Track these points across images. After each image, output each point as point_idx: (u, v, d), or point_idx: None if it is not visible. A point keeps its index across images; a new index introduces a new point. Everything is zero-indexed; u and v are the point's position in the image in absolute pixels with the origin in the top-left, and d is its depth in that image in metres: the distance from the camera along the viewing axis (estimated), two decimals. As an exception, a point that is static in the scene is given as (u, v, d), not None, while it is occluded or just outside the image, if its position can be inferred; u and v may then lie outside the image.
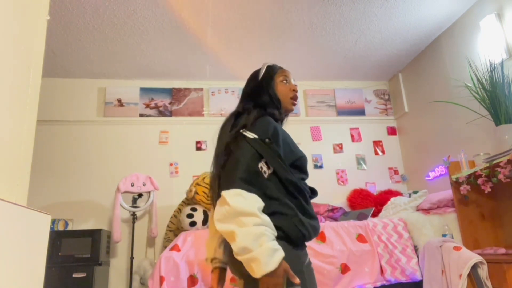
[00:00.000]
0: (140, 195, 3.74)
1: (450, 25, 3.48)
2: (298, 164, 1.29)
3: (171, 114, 4.17)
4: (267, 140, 1.20)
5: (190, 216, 3.12)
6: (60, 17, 3.07)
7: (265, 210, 1.13)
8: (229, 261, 1.27)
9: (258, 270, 1.02)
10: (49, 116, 3.88)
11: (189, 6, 3.03)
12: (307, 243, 1.28)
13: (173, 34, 3.41)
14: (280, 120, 1.39)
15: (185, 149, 4.07)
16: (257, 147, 1.17)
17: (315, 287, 1.23)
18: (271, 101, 1.37)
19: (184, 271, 2.46)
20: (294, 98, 1.41)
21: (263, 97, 1.38)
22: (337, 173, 4.20)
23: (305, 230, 1.20)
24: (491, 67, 2.74)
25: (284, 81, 1.42)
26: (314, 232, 1.25)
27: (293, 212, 1.19)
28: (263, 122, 1.24)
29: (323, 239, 2.71)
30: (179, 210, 3.53)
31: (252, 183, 1.12)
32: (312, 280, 1.23)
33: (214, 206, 1.20)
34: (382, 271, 2.68)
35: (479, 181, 2.56)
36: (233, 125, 1.28)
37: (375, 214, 3.56)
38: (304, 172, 1.32)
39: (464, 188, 2.67)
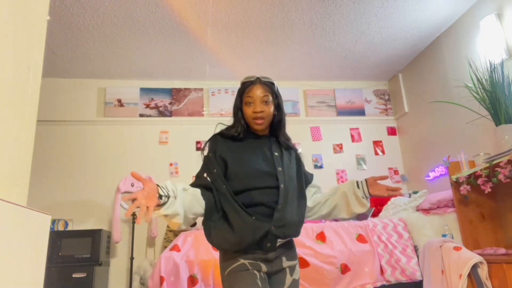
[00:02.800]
0: (140, 195, 3.73)
1: (450, 25, 3.48)
2: (231, 176, 1.40)
3: (171, 114, 4.17)
4: (205, 154, 1.47)
5: (190, 216, 3.12)
6: (60, 17, 3.07)
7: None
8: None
9: None
10: (49, 116, 3.88)
11: (189, 6, 3.03)
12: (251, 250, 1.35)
13: (173, 34, 3.41)
14: (242, 136, 1.49)
15: (185, 149, 4.07)
16: (204, 161, 1.47)
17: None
18: (234, 119, 1.52)
19: (184, 271, 2.46)
20: (256, 118, 1.45)
21: (234, 114, 1.53)
22: (337, 173, 4.20)
23: (217, 240, 1.35)
24: (491, 67, 2.74)
25: (248, 103, 1.46)
26: (228, 244, 1.33)
27: (219, 221, 1.36)
28: (208, 141, 1.50)
29: (323, 239, 2.71)
30: (179, 210, 3.52)
31: (197, 183, 1.41)
32: (238, 275, 1.31)
33: None
34: (382, 271, 2.68)
35: (479, 181, 2.56)
36: None
37: (375, 214, 3.56)
38: (239, 182, 1.37)
39: (464, 188, 2.67)
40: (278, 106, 1.51)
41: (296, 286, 1.42)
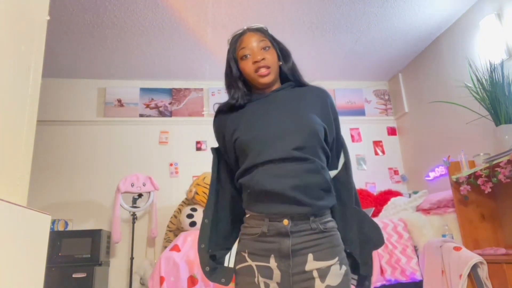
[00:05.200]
0: (140, 195, 3.74)
1: (450, 25, 3.48)
2: (238, 152, 1.17)
3: (171, 114, 4.17)
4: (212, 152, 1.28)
5: (190, 216, 3.12)
6: (60, 17, 3.07)
7: None
8: None
9: None
10: (49, 116, 3.88)
11: (189, 6, 3.03)
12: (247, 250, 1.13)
13: (173, 34, 3.41)
14: (246, 101, 1.23)
15: (185, 149, 4.07)
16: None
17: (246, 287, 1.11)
18: (229, 85, 1.24)
19: (184, 271, 2.46)
20: (259, 68, 1.17)
21: (227, 82, 1.25)
22: (337, 173, 4.20)
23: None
24: (491, 67, 2.74)
25: (244, 57, 1.19)
26: (214, 244, 1.19)
27: None
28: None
29: (323, 239, 2.71)
30: (179, 210, 3.53)
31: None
32: (241, 282, 1.12)
33: None
34: (382, 271, 2.68)
35: (479, 181, 2.56)
36: None
37: (375, 214, 3.55)
38: (246, 156, 1.13)
39: (464, 188, 2.67)
40: (282, 52, 1.25)
41: None
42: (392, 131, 4.48)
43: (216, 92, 4.30)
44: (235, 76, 1.21)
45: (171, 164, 4.00)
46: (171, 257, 2.49)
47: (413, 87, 4.17)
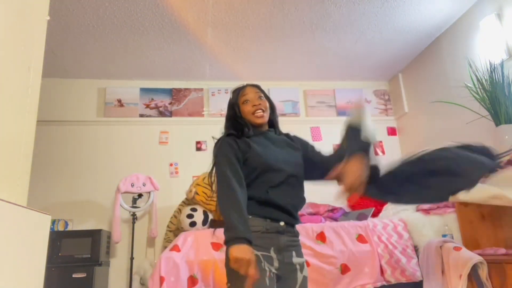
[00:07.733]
0: (140, 195, 3.74)
1: (450, 25, 3.48)
2: (249, 167, 1.48)
3: (171, 114, 4.17)
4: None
5: (190, 216, 3.12)
6: (60, 17, 3.07)
7: None
8: None
9: None
10: (49, 116, 3.88)
11: (189, 6, 3.03)
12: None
13: (173, 34, 3.41)
14: (250, 134, 1.56)
15: (185, 149, 4.07)
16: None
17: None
18: (235, 122, 1.61)
19: (184, 271, 2.46)
20: (255, 111, 1.57)
21: (231, 121, 1.63)
22: (337, 173, 4.20)
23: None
24: (491, 67, 2.74)
25: (245, 102, 1.59)
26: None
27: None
28: (217, 144, 1.54)
29: (323, 239, 2.71)
30: (179, 211, 3.52)
31: None
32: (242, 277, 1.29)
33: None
34: (382, 272, 2.68)
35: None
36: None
37: (375, 214, 3.55)
38: (257, 173, 1.47)
39: (464, 188, 2.66)
40: (271, 104, 1.66)
41: (306, 283, 1.45)
42: (392, 131, 4.48)
43: (216, 92, 4.30)
44: (238, 116, 1.60)
45: (171, 164, 4.00)
46: (171, 257, 2.49)
47: (413, 87, 4.17)
